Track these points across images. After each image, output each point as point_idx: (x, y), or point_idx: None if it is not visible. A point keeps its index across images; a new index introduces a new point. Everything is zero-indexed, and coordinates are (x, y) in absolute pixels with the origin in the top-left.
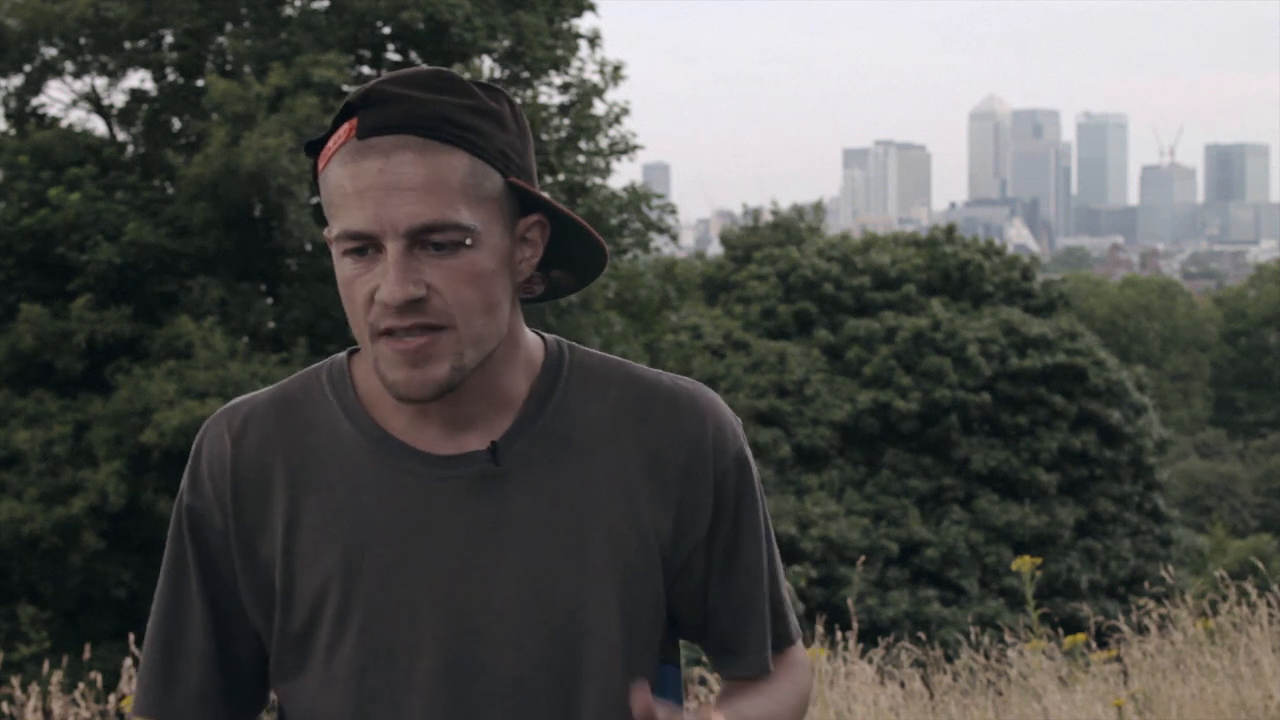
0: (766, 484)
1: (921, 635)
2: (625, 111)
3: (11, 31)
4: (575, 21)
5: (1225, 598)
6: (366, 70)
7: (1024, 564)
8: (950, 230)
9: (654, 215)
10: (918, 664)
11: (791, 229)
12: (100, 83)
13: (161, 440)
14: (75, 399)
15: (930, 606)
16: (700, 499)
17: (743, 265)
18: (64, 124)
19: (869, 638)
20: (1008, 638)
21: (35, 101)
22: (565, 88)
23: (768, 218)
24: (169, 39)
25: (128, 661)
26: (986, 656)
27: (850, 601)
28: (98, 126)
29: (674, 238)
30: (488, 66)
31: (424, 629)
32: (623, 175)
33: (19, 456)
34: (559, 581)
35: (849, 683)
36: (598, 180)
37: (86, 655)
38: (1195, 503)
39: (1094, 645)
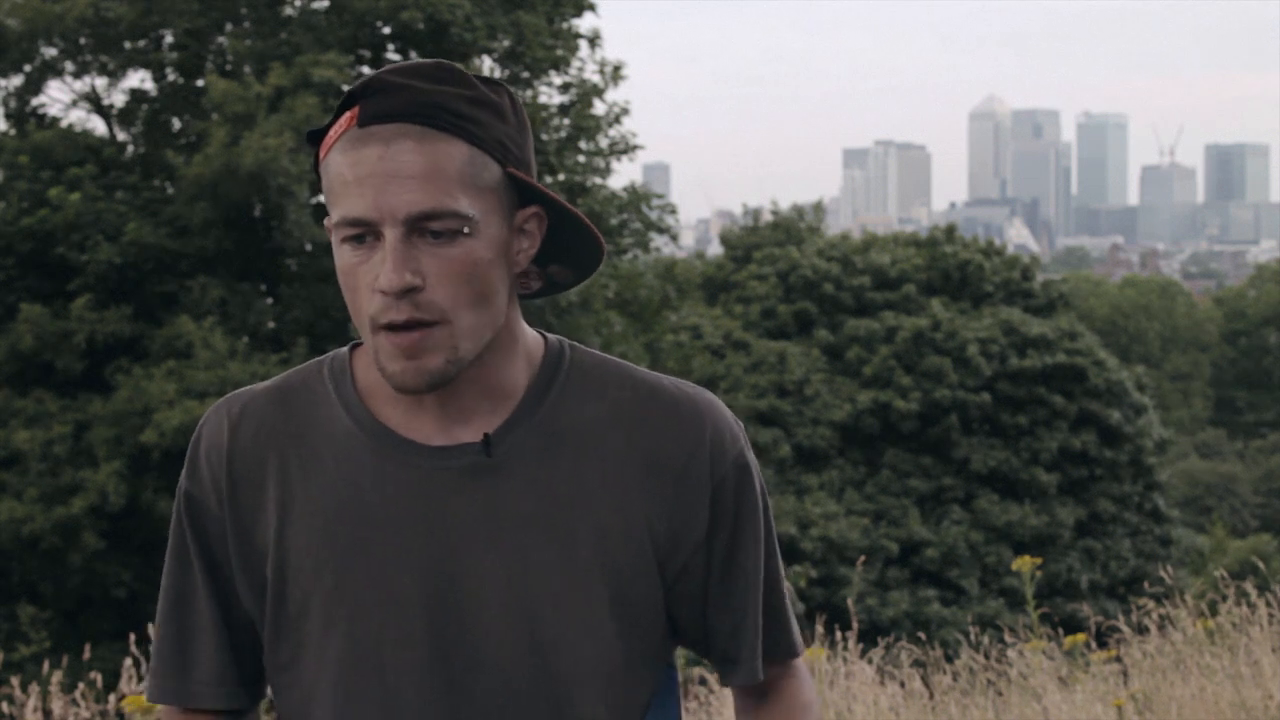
0: (767, 484)
1: (921, 635)
2: (625, 111)
3: (11, 31)
4: (575, 21)
5: (1225, 598)
6: (366, 70)
7: (1024, 564)
8: (950, 230)
9: (654, 215)
10: (918, 664)
11: (791, 229)
12: (100, 83)
13: (161, 440)
14: (75, 399)
15: (930, 606)
16: (697, 503)
17: (743, 265)
18: (64, 124)
19: (869, 638)
20: (1008, 638)
21: (35, 101)
22: (565, 88)
23: (768, 218)
24: (169, 39)
25: (128, 661)
26: (986, 656)
27: (850, 601)
28: (98, 126)
29: (674, 238)
30: (488, 66)
31: (414, 620)
32: (623, 175)
33: (19, 456)
34: (546, 576)
35: (849, 683)
36: (598, 180)
37: (86, 655)
38: (1195, 503)
39: (1094, 645)
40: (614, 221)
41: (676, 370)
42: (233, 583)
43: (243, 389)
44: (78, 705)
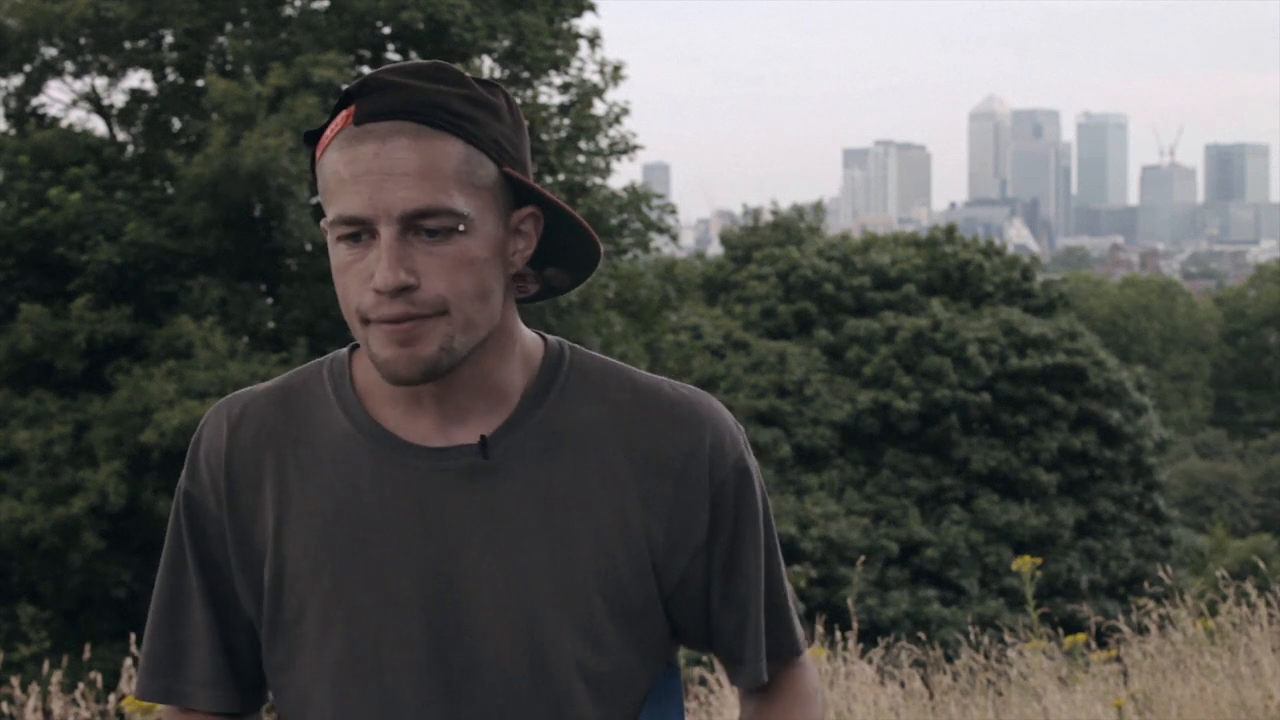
0: (767, 484)
1: (921, 635)
2: (625, 111)
3: (11, 31)
4: (575, 21)
5: (1225, 598)
6: (366, 70)
7: (1024, 564)
8: (950, 230)
9: (654, 215)
10: (918, 664)
11: (791, 229)
12: (100, 83)
13: (161, 440)
14: (75, 399)
15: (930, 606)
16: (696, 507)
17: (743, 265)
18: (64, 124)
19: (869, 638)
20: (1008, 638)
21: (35, 101)
22: (565, 88)
23: (768, 218)
24: (169, 39)
25: (128, 661)
26: (986, 656)
27: (850, 601)
28: (98, 126)
29: (674, 238)
30: (488, 66)
31: (412, 621)
32: (623, 175)
33: (19, 456)
34: (544, 577)
35: (849, 683)
36: (598, 180)
37: (86, 655)
38: (1195, 503)
39: (1094, 645)
40: (614, 221)
41: (676, 370)
42: (231, 584)
43: (244, 390)
44: (78, 705)
